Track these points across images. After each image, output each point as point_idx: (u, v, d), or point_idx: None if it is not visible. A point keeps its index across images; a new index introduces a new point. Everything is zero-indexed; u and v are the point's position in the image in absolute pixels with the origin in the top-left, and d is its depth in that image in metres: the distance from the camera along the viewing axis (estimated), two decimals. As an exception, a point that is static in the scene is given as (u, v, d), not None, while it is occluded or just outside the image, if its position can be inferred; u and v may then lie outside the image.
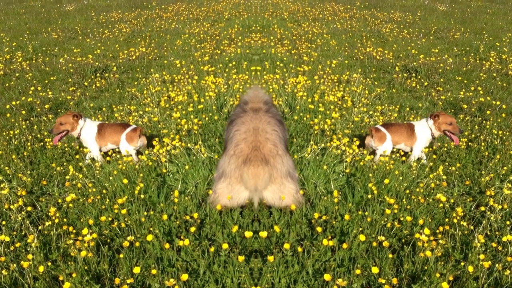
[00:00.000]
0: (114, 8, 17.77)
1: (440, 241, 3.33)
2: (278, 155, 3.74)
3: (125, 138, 4.75)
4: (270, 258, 3.02)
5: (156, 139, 5.06)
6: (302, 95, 6.46)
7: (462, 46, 10.95)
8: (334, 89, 7.10)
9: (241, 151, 3.71)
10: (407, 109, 6.51)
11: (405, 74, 8.38)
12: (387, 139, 4.76)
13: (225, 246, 3.19)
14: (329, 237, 3.42)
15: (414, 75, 8.36)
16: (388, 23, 13.94)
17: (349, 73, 8.20)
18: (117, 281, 2.92)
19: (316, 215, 3.59)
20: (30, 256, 3.11)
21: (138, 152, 4.97)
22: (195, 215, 3.60)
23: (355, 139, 5.02)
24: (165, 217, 3.57)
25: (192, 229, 3.41)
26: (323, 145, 4.92)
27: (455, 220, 3.61)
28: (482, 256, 3.08)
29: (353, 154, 4.72)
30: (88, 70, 8.54)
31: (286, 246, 3.15)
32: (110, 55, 9.99)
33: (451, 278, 2.95)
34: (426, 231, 3.28)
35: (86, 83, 7.79)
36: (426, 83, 7.81)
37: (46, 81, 7.97)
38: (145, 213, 3.73)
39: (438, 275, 2.94)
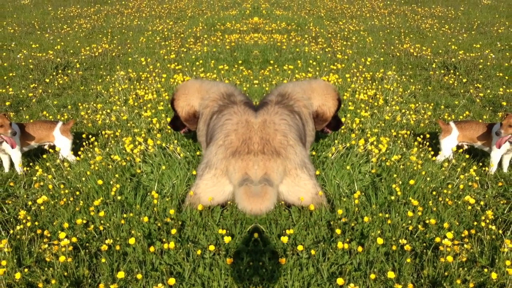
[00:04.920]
0: (72, 2, 17.17)
1: (465, 246, 3.16)
2: (289, 146, 3.64)
3: (61, 132, 4.54)
4: (282, 261, 2.96)
5: (128, 138, 4.86)
6: (331, 94, 6.32)
7: (506, 41, 10.46)
8: (366, 87, 6.93)
9: (230, 142, 3.59)
10: (442, 107, 6.27)
11: (442, 71, 8.08)
12: (451, 133, 4.58)
13: (211, 248, 3.11)
14: (348, 240, 3.32)
15: (452, 71, 8.05)
16: (429, 19, 13.51)
17: (384, 70, 7.98)
18: (101, 287, 2.84)
19: (337, 216, 3.49)
20: (4, 262, 2.99)
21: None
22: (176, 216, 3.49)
23: (382, 138, 4.86)
24: (145, 219, 3.49)
25: (173, 231, 3.33)
26: (348, 144, 4.79)
27: (482, 224, 3.43)
28: (508, 262, 2.90)
29: (379, 154, 4.57)
30: (49, 66, 8.29)
31: (300, 248, 3.07)
32: (71, 51, 9.73)
33: (471, 285, 2.79)
34: (449, 235, 3.13)
35: (47, 80, 7.56)
36: (464, 80, 7.50)
37: (5, 77, 7.76)
38: (124, 215, 3.61)
39: (459, 281, 2.79)
